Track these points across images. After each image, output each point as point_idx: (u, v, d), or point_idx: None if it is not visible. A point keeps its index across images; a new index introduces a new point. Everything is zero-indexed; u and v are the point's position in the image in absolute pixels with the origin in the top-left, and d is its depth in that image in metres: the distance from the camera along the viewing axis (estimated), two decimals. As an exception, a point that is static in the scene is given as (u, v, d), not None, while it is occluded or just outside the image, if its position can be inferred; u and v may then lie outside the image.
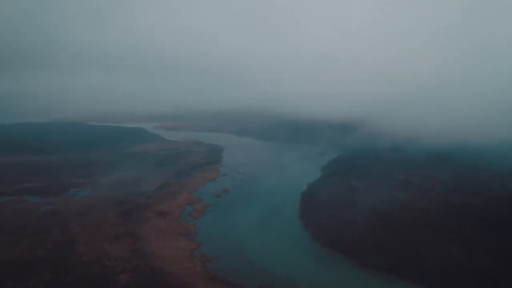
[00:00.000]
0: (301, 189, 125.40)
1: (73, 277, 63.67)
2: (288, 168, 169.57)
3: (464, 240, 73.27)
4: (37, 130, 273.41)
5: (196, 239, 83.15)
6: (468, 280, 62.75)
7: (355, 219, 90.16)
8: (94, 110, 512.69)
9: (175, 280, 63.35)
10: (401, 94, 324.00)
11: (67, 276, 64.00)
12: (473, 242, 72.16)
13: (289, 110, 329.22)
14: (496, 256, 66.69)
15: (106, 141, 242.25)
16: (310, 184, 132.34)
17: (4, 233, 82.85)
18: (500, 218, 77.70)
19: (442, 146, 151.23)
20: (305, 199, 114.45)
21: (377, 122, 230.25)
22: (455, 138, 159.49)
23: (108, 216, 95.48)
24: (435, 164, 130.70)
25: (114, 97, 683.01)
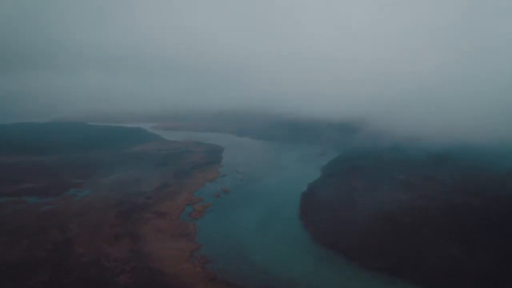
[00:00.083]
0: (301, 189, 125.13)
1: (72, 278, 63.53)
2: (288, 168, 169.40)
3: (464, 240, 73.13)
4: (37, 130, 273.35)
5: (196, 239, 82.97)
6: (469, 280, 62.59)
7: (355, 220, 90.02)
8: (94, 110, 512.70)
9: (174, 281, 63.17)
10: (401, 94, 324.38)
11: (66, 277, 63.83)
12: (473, 242, 72.02)
13: (289, 110, 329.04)
14: (496, 256, 66.58)
15: (106, 141, 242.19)
16: (310, 184, 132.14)
17: (4, 234, 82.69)
18: (500, 218, 77.58)
19: (442, 146, 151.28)
20: (305, 199, 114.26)
21: (377, 122, 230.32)
22: (455, 138, 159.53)
23: (107, 217, 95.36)
24: (435, 164, 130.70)
25: (114, 97, 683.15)
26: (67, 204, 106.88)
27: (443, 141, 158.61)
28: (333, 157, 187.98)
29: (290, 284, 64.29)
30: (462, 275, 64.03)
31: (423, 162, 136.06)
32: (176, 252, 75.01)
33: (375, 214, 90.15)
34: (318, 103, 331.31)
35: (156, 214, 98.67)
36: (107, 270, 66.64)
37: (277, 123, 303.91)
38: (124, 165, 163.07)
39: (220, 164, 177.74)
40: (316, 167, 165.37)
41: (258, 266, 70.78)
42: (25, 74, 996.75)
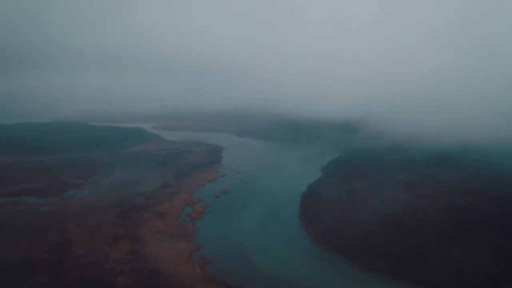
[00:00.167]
0: (301, 189, 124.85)
1: (71, 279, 63.27)
2: (288, 168, 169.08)
3: (465, 241, 73.09)
4: (37, 130, 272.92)
5: (195, 240, 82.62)
6: (469, 280, 62.39)
7: (355, 220, 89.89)
8: (94, 110, 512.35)
9: (173, 283, 62.88)
10: (401, 94, 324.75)
11: (65, 278, 63.57)
12: (473, 242, 72.01)
13: (289, 110, 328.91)
14: (497, 256, 66.46)
15: (106, 141, 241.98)
16: (311, 184, 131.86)
17: (3, 234, 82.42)
18: (501, 218, 77.60)
19: (442, 146, 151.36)
20: (305, 199, 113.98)
21: (377, 122, 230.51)
22: (456, 138, 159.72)
23: (107, 217, 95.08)
24: (435, 164, 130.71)
25: (114, 97, 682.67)
26: (67, 205, 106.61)
27: (443, 141, 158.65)
28: (333, 157, 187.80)
29: (290, 285, 63.97)
30: (463, 275, 63.84)
31: (424, 162, 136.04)
32: (175, 253, 74.71)
33: (375, 215, 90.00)
34: (318, 103, 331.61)
35: (155, 215, 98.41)
36: (106, 271, 66.36)
37: (277, 123, 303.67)
38: (124, 165, 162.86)
39: (220, 164, 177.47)
40: (316, 167, 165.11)
41: (258, 267, 70.48)
42: (25, 74, 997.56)
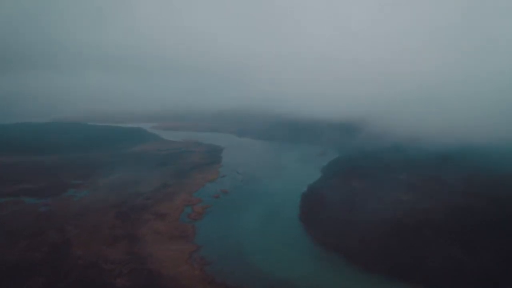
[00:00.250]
0: (302, 190, 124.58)
1: (70, 280, 63.00)
2: (288, 169, 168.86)
3: (465, 241, 72.83)
4: (37, 130, 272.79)
5: (195, 241, 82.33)
6: (470, 281, 62.20)
7: (355, 220, 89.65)
8: (94, 110, 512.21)
9: (172, 284, 62.59)
10: (401, 94, 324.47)
11: (63, 279, 63.28)
12: (474, 242, 71.77)
13: (289, 110, 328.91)
14: (497, 256, 66.27)
15: (105, 141, 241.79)
16: (311, 185, 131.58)
17: (2, 234, 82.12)
18: (501, 218, 77.28)
19: (443, 146, 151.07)
20: (305, 200, 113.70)
21: (377, 122, 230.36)
22: (456, 138, 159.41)
23: (106, 218, 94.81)
24: (436, 165, 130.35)
25: (114, 97, 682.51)
26: (66, 205, 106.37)
27: (443, 141, 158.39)
28: (333, 157, 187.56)
29: (290, 286, 63.78)
30: (463, 275, 63.66)
31: (424, 162, 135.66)
32: (174, 254, 74.43)
33: (375, 215, 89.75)
34: (318, 103, 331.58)
35: (155, 215, 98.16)
36: (104, 272, 66.09)
37: (277, 123, 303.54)
38: (123, 165, 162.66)
39: (220, 165, 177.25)
40: (316, 167, 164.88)
41: (258, 268, 70.22)
42: (25, 74, 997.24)
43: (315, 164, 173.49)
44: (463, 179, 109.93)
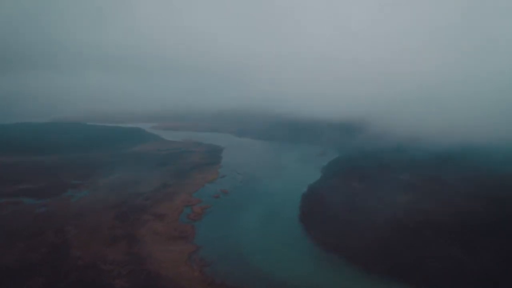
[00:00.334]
0: (302, 190, 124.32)
1: (69, 281, 62.74)
2: (288, 169, 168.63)
3: (465, 241, 72.68)
4: (37, 130, 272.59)
5: (194, 242, 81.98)
6: (470, 281, 61.98)
7: (356, 221, 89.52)
8: (94, 110, 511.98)
9: (171, 285, 62.23)
10: (401, 94, 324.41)
11: (62, 281, 63.01)
12: (474, 243, 71.66)
13: (289, 110, 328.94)
14: (497, 256, 66.10)
15: (105, 141, 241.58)
16: (311, 185, 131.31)
17: (0, 235, 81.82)
18: (501, 219, 77.15)
19: (443, 146, 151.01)
20: (305, 200, 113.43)
21: (377, 122, 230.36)
22: (456, 138, 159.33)
23: (105, 218, 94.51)
24: (436, 165, 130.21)
25: (114, 97, 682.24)
26: (66, 205, 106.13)
27: (443, 141, 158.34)
28: (333, 157, 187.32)
29: (290, 286, 63.44)
30: (463, 276, 63.48)
31: (424, 162, 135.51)
32: (174, 255, 74.12)
33: (375, 215, 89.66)
34: (318, 103, 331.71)
35: (154, 216, 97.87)
36: (103, 274, 65.79)
37: (277, 123, 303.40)
38: (123, 166, 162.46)
39: (219, 165, 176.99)
40: (316, 167, 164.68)
41: (258, 269, 69.94)
42: (25, 74, 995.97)
43: (315, 164, 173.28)
44: (463, 179, 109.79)
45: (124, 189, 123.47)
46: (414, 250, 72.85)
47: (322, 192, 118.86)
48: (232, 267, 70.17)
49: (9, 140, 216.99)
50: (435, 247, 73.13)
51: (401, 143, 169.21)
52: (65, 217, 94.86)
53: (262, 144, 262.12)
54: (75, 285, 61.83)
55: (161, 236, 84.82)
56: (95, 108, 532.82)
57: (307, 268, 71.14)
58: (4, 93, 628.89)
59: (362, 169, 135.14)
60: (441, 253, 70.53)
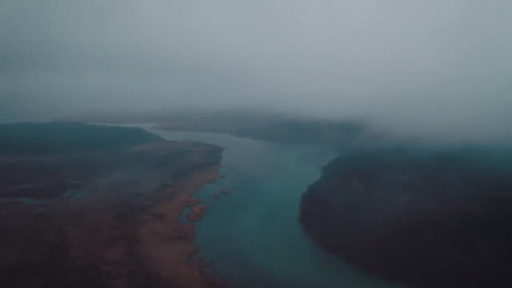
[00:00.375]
0: (302, 190, 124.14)
1: (69, 282, 62.63)
2: (288, 169, 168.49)
3: (466, 242, 72.47)
4: (37, 130, 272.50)
5: (194, 242, 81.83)
6: (470, 281, 61.86)
7: (356, 221, 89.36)
8: (94, 110, 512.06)
9: (171, 286, 62.06)
10: (401, 94, 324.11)
11: (61, 281, 62.89)
12: (474, 243, 71.44)
13: (289, 110, 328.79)
14: (497, 257, 65.95)
15: (105, 141, 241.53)
16: (311, 185, 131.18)
17: (0, 236, 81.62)
18: (502, 219, 76.93)
19: (443, 146, 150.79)
20: (305, 200, 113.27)
21: (377, 122, 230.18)
22: (456, 138, 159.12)
23: (105, 219, 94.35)
24: (436, 165, 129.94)
25: (114, 97, 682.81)
26: (65, 206, 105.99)
27: (444, 141, 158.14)
28: (333, 157, 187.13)
29: (290, 287, 63.32)
30: (463, 276, 63.34)
31: (424, 162, 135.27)
32: (173, 256, 73.96)
33: (376, 216, 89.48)
34: (318, 103, 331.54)
35: (154, 216, 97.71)
36: (103, 274, 65.65)
37: (277, 123, 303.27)
38: (123, 166, 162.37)
39: (219, 165, 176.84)
40: (316, 167, 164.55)
41: (258, 269, 69.84)
42: (25, 74, 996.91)
43: (315, 164, 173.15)
44: (463, 179, 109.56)
45: (124, 189, 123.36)
46: (414, 250, 72.72)
47: (322, 192, 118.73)
48: (232, 268, 70.03)
49: (9, 140, 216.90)
50: (435, 247, 73.01)
51: (401, 143, 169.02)
52: (64, 217, 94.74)
53: (262, 144, 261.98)
54: (75, 286, 61.72)
55: (161, 236, 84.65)
56: (95, 108, 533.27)
57: (307, 268, 71.04)
58: (4, 93, 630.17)
59: (362, 169, 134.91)
60: (441, 253, 70.43)
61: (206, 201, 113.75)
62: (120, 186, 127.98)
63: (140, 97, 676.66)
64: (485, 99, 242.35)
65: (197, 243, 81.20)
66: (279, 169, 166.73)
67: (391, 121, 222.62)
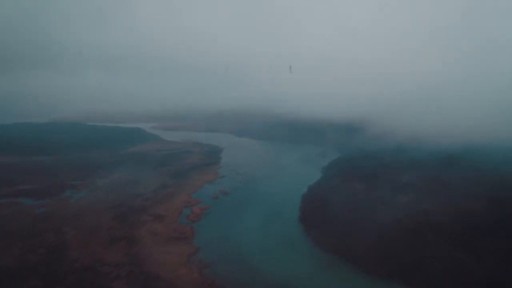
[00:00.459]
0: (302, 190, 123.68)
1: (67, 283, 62.43)
2: (288, 169, 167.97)
3: (468, 243, 72.04)
4: (36, 130, 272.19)
5: (194, 243, 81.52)
6: (472, 283, 61.55)
7: (356, 222, 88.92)
8: (94, 110, 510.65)
9: (170, 287, 61.96)
10: (401, 94, 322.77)
11: (62, 281, 62.75)
12: (476, 244, 71.00)
13: (289, 110, 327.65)
14: (500, 258, 65.58)
15: (105, 141, 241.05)
16: (311, 186, 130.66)
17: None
18: (504, 220, 76.60)
19: (444, 147, 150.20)
20: (305, 201, 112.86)
21: (378, 122, 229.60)
22: (456, 138, 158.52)
23: (104, 219, 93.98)
24: (436, 165, 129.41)
25: (114, 97, 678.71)
26: (64, 206, 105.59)
27: (444, 141, 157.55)
28: (333, 157, 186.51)
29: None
30: (466, 278, 62.95)
31: (425, 162, 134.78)
32: (172, 257, 73.66)
33: (376, 217, 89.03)
34: (318, 103, 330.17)
35: (153, 217, 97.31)
36: (101, 275, 65.35)
37: (277, 123, 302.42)
38: (122, 166, 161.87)
39: (219, 165, 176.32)
40: (316, 167, 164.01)
41: (258, 270, 69.59)
42: (25, 74, 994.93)
43: (315, 164, 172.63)
44: (464, 180, 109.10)
45: (123, 190, 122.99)
46: (414, 250, 72.40)
47: (322, 192, 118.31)
48: (232, 268, 69.82)
49: (9, 140, 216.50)
50: (436, 247, 72.65)
51: (401, 143, 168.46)
52: (64, 218, 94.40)
53: (262, 144, 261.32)
54: (74, 287, 61.47)
55: (160, 237, 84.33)
56: (95, 108, 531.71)
57: (307, 268, 70.84)
58: (4, 93, 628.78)
59: (363, 169, 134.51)
60: (442, 254, 70.10)
61: (206, 201, 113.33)
62: (119, 186, 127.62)
63: (140, 97, 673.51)
64: (485, 99, 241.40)
65: (196, 244, 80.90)
66: (279, 169, 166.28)
67: (391, 121, 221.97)
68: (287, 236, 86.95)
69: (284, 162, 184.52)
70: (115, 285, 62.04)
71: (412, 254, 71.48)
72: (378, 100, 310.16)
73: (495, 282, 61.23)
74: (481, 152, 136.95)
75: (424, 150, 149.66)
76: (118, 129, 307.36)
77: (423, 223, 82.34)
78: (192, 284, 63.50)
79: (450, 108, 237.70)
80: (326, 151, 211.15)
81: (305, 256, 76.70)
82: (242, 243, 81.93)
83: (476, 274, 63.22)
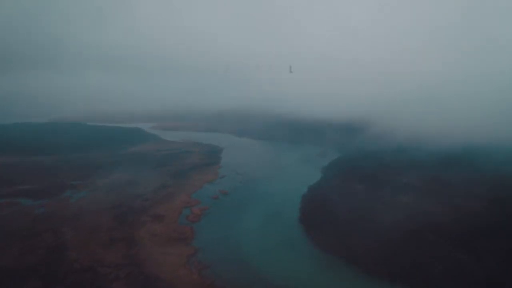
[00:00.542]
0: (302, 191, 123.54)
1: (67, 283, 62.30)
2: (288, 169, 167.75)
3: (469, 244, 72.04)
4: (36, 130, 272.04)
5: (193, 244, 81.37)
6: (473, 284, 61.46)
7: (356, 223, 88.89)
8: (94, 110, 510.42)
9: (170, 288, 61.92)
10: (401, 94, 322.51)
11: (61, 282, 62.63)
12: (477, 245, 70.98)
13: (289, 110, 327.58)
14: (501, 259, 65.51)
15: (105, 141, 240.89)
16: (311, 186, 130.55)
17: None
18: (505, 220, 76.59)
19: (443, 146, 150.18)
20: (305, 201, 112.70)
21: (378, 122, 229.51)
22: (457, 139, 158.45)
23: (103, 220, 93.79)
24: (437, 165, 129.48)
25: (114, 97, 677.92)
26: (64, 206, 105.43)
27: (444, 141, 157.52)
28: (333, 158, 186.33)
29: (290, 289, 63.00)
30: (467, 279, 62.85)
31: (425, 163, 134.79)
32: (172, 257, 73.50)
33: (376, 217, 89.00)
34: (318, 103, 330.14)
35: (153, 217, 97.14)
36: (101, 276, 65.22)
37: (277, 123, 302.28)
38: (122, 166, 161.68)
39: (219, 165, 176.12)
40: (316, 168, 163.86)
41: (257, 271, 69.43)
42: (25, 74, 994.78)
43: (315, 164, 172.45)
44: (464, 180, 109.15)
45: (123, 190, 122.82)
46: (415, 252, 72.30)
47: (322, 192, 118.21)
48: (232, 269, 69.66)
49: (9, 140, 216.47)
50: (436, 248, 72.61)
51: (401, 143, 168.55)
52: (63, 218, 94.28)
53: (262, 144, 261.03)
54: (73, 288, 61.33)
55: (160, 237, 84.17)
56: (95, 108, 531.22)
57: (307, 269, 70.71)
58: (4, 93, 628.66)
59: (363, 170, 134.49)
60: (442, 254, 70.10)
61: (206, 202, 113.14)
62: (119, 187, 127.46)
63: (140, 97, 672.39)
64: (485, 99, 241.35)
65: (196, 245, 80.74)
66: (279, 170, 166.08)
67: (391, 121, 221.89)
68: (287, 236, 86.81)
69: (284, 162, 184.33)
70: (114, 286, 61.91)
71: (412, 255, 71.42)
72: (378, 100, 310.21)
73: (495, 282, 61.15)
74: (481, 152, 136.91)
75: (424, 150, 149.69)
76: (118, 129, 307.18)
77: (423, 223, 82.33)
78: (192, 285, 63.38)
79: (450, 108, 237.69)
80: (326, 151, 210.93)
81: (305, 256, 76.58)
82: (242, 244, 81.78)
83: (476, 274, 63.15)
